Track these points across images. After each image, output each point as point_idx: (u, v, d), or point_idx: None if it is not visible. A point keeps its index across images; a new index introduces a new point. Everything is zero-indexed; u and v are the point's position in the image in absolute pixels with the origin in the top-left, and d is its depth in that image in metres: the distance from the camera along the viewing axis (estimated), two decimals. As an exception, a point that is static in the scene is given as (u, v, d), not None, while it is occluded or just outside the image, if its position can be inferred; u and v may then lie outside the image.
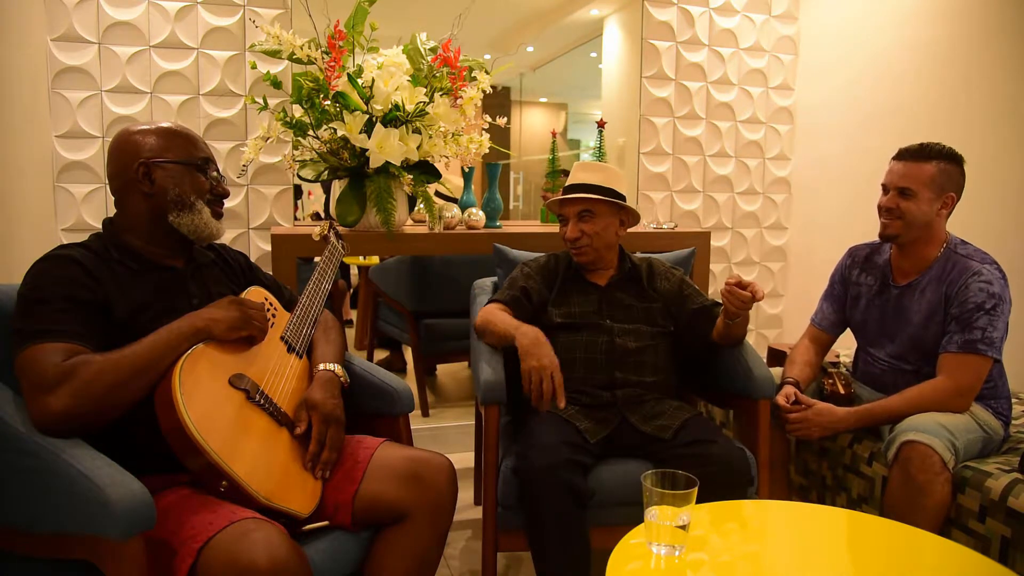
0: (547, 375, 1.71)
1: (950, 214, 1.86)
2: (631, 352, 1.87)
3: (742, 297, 1.69)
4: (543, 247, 2.26)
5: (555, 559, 1.57)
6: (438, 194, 3.04)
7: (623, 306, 1.95)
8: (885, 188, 1.88)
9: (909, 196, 1.82)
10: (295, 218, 2.86)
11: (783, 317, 3.64)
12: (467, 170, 2.61)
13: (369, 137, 2.16)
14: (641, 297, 1.98)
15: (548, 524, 1.57)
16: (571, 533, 1.58)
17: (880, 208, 1.88)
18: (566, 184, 1.98)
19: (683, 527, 1.19)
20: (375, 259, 3.74)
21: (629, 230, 2.05)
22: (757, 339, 3.59)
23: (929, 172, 1.80)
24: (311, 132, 2.27)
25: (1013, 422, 1.92)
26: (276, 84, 2.32)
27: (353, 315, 4.40)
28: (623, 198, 1.95)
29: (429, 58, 2.32)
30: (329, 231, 1.94)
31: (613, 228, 1.96)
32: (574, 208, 1.93)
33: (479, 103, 2.35)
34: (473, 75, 2.34)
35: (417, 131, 2.26)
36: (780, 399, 1.90)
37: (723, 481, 1.58)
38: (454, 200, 2.78)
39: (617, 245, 2.02)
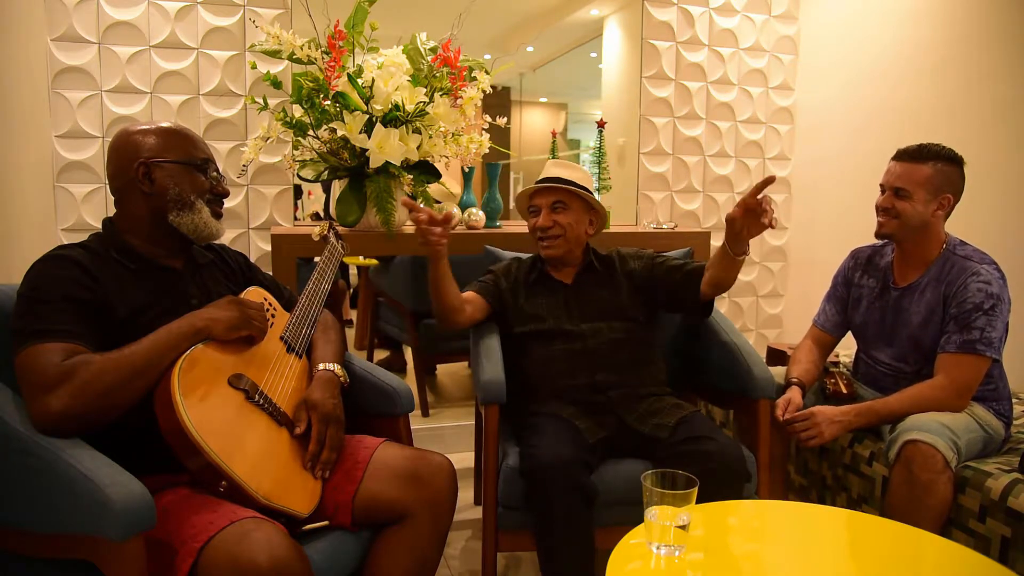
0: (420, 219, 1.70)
1: (948, 215, 1.87)
2: (604, 352, 1.87)
3: (761, 209, 1.60)
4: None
5: (563, 558, 1.57)
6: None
7: (591, 301, 1.95)
8: (883, 188, 1.89)
9: (904, 196, 1.83)
10: (295, 218, 2.86)
11: (783, 317, 3.64)
12: (467, 170, 2.61)
13: (369, 137, 2.16)
14: (609, 287, 1.97)
15: (557, 522, 1.56)
16: (579, 532, 1.57)
17: (877, 208, 1.89)
18: (539, 178, 1.99)
19: (683, 527, 1.19)
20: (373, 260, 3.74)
21: (624, 231, 2.05)
22: (757, 339, 3.59)
23: (925, 173, 1.81)
24: (311, 132, 2.27)
25: (1014, 422, 1.92)
26: (276, 84, 2.32)
27: (353, 315, 4.40)
28: (592, 194, 1.97)
29: (429, 58, 2.32)
30: (329, 231, 1.94)
31: (583, 225, 1.97)
32: (548, 199, 1.94)
33: (479, 103, 2.35)
34: (473, 75, 2.34)
35: (417, 131, 2.26)
36: (778, 411, 1.89)
37: (720, 477, 1.58)
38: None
39: (585, 243, 2.02)
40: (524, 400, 1.88)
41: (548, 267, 2.01)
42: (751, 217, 1.63)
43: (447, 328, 1.93)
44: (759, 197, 1.60)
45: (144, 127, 1.41)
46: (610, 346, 1.88)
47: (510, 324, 1.97)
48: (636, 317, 1.94)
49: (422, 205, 2.36)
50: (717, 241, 3.34)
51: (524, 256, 2.10)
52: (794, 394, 1.93)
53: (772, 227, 1.63)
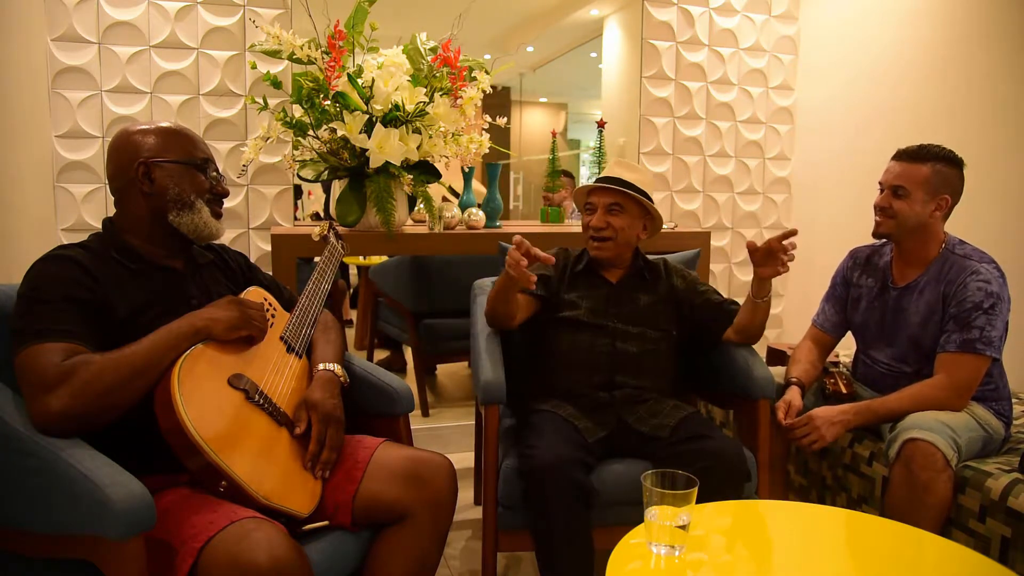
0: (516, 257, 1.64)
1: (947, 216, 1.87)
2: (632, 357, 1.87)
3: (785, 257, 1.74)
4: (542, 247, 2.25)
5: (561, 558, 1.57)
6: (451, 189, 3.04)
7: (630, 304, 1.94)
8: (881, 187, 1.89)
9: (902, 196, 1.83)
10: (295, 218, 2.86)
11: (783, 317, 3.64)
12: (467, 170, 2.61)
13: (369, 137, 2.17)
14: (650, 295, 1.97)
15: (556, 523, 1.56)
16: (578, 532, 1.57)
17: (875, 207, 1.90)
18: (601, 175, 1.97)
19: (683, 527, 1.19)
20: (375, 259, 3.74)
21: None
22: (757, 339, 3.59)
23: (924, 173, 1.81)
24: (311, 132, 2.27)
25: (1014, 422, 1.92)
26: (276, 84, 2.32)
27: (353, 315, 4.40)
28: (652, 202, 1.95)
29: (429, 58, 2.32)
30: (329, 231, 1.94)
31: (636, 230, 1.94)
32: (605, 199, 1.91)
33: (479, 103, 2.35)
34: (473, 75, 2.34)
35: (417, 131, 2.26)
36: (779, 413, 1.89)
37: (720, 476, 1.58)
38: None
39: (635, 247, 2.00)
40: (525, 398, 1.88)
41: (596, 264, 2.00)
42: (772, 258, 1.76)
43: (500, 329, 1.93)
44: (784, 243, 1.74)
45: (144, 127, 1.41)
46: (637, 351, 1.88)
47: (550, 310, 1.95)
48: (669, 329, 1.95)
49: (420, 205, 2.39)
50: (717, 241, 3.37)
51: (571, 249, 2.07)
52: (794, 396, 1.93)
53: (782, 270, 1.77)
